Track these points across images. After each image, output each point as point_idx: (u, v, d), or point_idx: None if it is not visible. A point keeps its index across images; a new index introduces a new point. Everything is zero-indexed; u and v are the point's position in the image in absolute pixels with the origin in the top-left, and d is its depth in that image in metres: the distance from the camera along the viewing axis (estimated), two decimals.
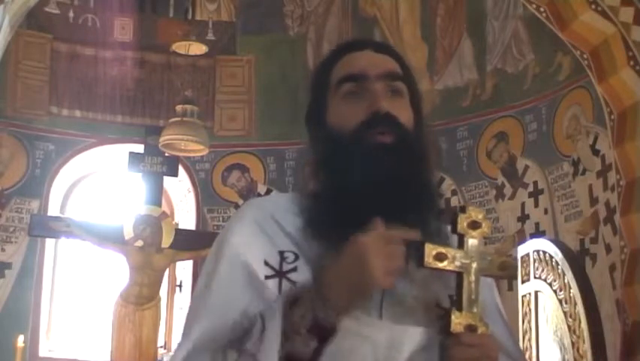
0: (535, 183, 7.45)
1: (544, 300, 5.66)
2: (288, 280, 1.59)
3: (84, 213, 8.91)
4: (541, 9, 6.75)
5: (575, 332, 5.33)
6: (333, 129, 1.68)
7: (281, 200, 1.77)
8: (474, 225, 1.59)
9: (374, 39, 1.89)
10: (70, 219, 8.25)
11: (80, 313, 8.92)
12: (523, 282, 5.87)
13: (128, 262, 8.02)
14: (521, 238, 7.23)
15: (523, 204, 7.55)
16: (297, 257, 1.60)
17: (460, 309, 1.55)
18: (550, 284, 5.57)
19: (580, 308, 5.29)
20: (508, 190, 7.73)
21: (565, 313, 5.42)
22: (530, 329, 5.74)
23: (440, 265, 1.54)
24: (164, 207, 8.70)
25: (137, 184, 8.56)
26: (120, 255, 8.10)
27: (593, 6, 6.27)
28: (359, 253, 1.46)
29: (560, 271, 5.49)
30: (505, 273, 1.61)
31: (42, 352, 8.45)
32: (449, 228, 1.62)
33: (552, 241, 6.00)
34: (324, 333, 1.47)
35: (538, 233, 7.15)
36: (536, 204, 7.42)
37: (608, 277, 6.41)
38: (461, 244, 1.59)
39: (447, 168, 8.19)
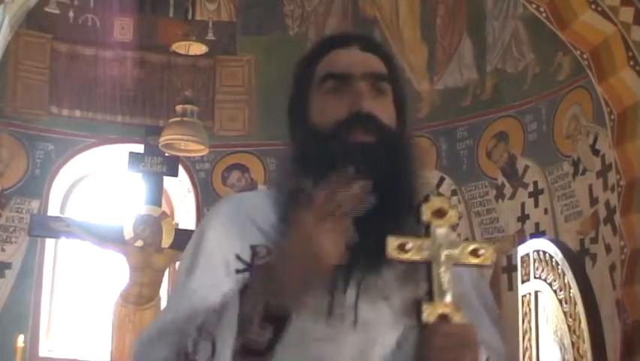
0: (535, 183, 7.45)
1: (545, 300, 5.66)
2: None
3: (84, 213, 8.90)
4: (541, 9, 6.76)
5: (575, 332, 5.34)
6: (314, 126, 1.68)
7: (257, 196, 1.78)
8: (439, 213, 1.57)
9: (361, 35, 1.85)
10: (70, 219, 8.24)
11: (80, 313, 8.91)
12: (523, 282, 5.87)
13: (128, 262, 8.01)
14: (521, 238, 7.23)
15: (523, 204, 7.55)
16: (268, 252, 1.60)
17: (431, 299, 1.52)
18: (550, 284, 5.58)
19: (580, 308, 5.30)
20: (508, 190, 7.73)
21: (565, 313, 5.42)
22: (530, 329, 5.74)
23: (405, 256, 1.52)
24: (164, 207, 8.69)
25: (137, 184, 8.56)
26: (120, 255, 8.10)
27: (593, 6, 6.28)
28: (302, 235, 1.42)
29: (559, 271, 5.49)
30: (479, 261, 1.57)
31: (42, 352, 8.45)
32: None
33: (552, 241, 6.01)
34: (278, 323, 1.44)
35: (538, 233, 7.14)
36: (536, 204, 7.42)
37: (608, 277, 6.41)
38: (427, 234, 1.56)
39: (447, 168, 8.20)
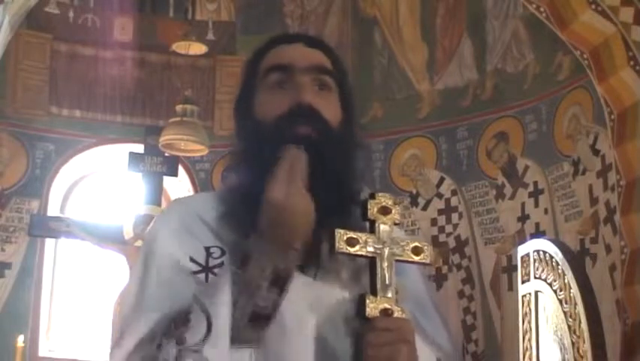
0: (536, 183, 7.45)
1: (545, 300, 5.66)
2: (215, 274, 1.62)
3: (84, 213, 8.89)
4: (541, 9, 6.76)
5: (575, 332, 5.34)
6: (257, 120, 1.69)
7: (206, 197, 1.81)
8: (384, 210, 1.61)
9: (307, 34, 1.87)
10: (70, 220, 8.24)
11: (80, 313, 8.91)
12: (523, 282, 5.87)
13: (128, 262, 8.01)
14: (521, 238, 7.24)
15: (523, 204, 7.55)
16: (223, 252, 1.63)
17: (374, 293, 1.56)
18: (550, 284, 5.58)
19: (580, 308, 5.30)
20: (508, 190, 7.73)
21: (565, 313, 5.42)
22: (530, 329, 5.74)
23: (352, 250, 1.57)
24: (164, 207, 8.69)
25: (137, 184, 8.55)
26: (120, 255, 8.10)
27: (593, 6, 6.28)
28: (277, 208, 1.51)
29: (560, 271, 5.49)
30: (419, 258, 1.62)
31: (42, 352, 8.45)
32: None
33: (552, 241, 6.01)
34: (282, 283, 1.52)
35: (538, 233, 7.15)
36: (536, 204, 7.42)
37: (608, 277, 6.41)
38: (372, 230, 1.61)
39: (447, 168, 8.20)
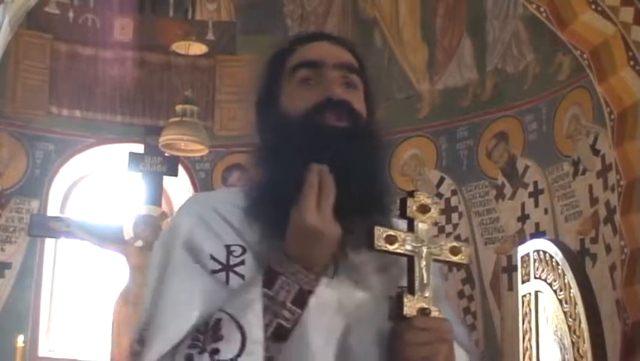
0: (536, 183, 7.45)
1: (545, 300, 5.66)
2: (236, 273, 1.59)
3: (84, 213, 8.90)
4: (541, 9, 6.76)
5: (575, 332, 5.34)
6: (284, 115, 1.67)
7: (225, 194, 1.79)
8: (423, 209, 1.60)
9: (332, 34, 1.86)
10: (70, 220, 8.25)
11: (80, 313, 8.91)
12: (523, 282, 5.88)
13: (128, 262, 8.01)
14: (521, 238, 7.24)
15: (523, 204, 7.55)
16: (244, 251, 1.61)
17: (412, 293, 1.54)
18: (550, 284, 5.58)
19: (580, 308, 5.30)
20: (508, 190, 7.73)
21: (565, 313, 5.43)
22: (530, 329, 5.75)
23: (390, 247, 1.54)
24: (164, 207, 8.69)
25: (137, 184, 8.56)
26: (120, 255, 8.10)
27: (593, 6, 6.28)
28: (308, 233, 1.50)
29: (560, 271, 5.50)
30: (457, 258, 1.61)
31: (42, 352, 8.45)
32: (397, 221, 1.62)
33: (552, 241, 6.01)
34: (306, 300, 1.52)
35: (538, 233, 7.15)
36: (536, 204, 7.42)
37: (608, 277, 6.41)
38: (411, 228, 1.58)
39: (447, 168, 8.20)
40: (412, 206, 1.59)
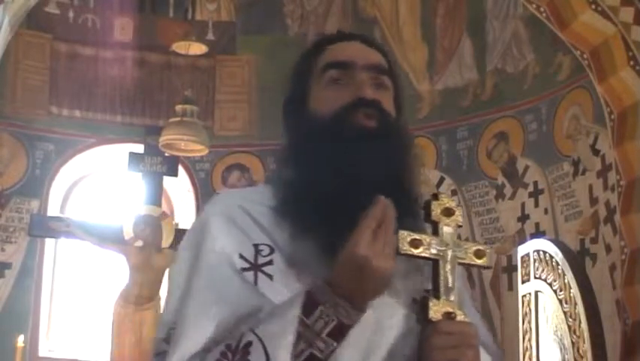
0: (536, 183, 7.45)
1: (545, 300, 5.66)
2: (264, 273, 1.57)
3: (84, 213, 8.90)
4: (541, 9, 6.76)
5: (575, 332, 5.34)
6: (314, 114, 1.66)
7: (251, 192, 1.76)
8: (447, 212, 1.58)
9: (362, 34, 1.85)
10: (70, 220, 8.24)
11: (80, 314, 8.91)
12: (523, 282, 5.87)
13: (128, 262, 8.01)
14: (521, 238, 7.24)
15: (523, 204, 7.55)
16: (272, 250, 1.58)
17: (437, 297, 1.52)
18: (550, 284, 5.58)
19: (580, 308, 5.30)
20: (508, 190, 7.73)
21: (565, 313, 5.43)
22: (530, 329, 5.74)
23: (416, 251, 1.52)
24: (164, 207, 8.69)
25: (137, 184, 8.55)
26: (120, 255, 8.10)
27: (593, 6, 6.28)
28: (359, 266, 1.45)
29: (560, 271, 5.50)
30: (482, 262, 1.59)
31: (42, 352, 8.45)
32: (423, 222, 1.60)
33: (552, 241, 6.01)
34: (344, 334, 1.47)
35: (538, 233, 7.15)
36: (536, 204, 7.42)
37: (608, 277, 6.41)
38: (435, 232, 1.57)
39: (447, 168, 8.20)
40: (436, 209, 1.57)
